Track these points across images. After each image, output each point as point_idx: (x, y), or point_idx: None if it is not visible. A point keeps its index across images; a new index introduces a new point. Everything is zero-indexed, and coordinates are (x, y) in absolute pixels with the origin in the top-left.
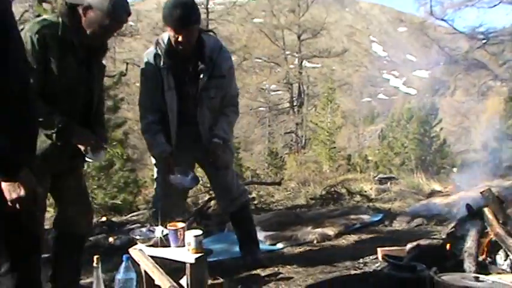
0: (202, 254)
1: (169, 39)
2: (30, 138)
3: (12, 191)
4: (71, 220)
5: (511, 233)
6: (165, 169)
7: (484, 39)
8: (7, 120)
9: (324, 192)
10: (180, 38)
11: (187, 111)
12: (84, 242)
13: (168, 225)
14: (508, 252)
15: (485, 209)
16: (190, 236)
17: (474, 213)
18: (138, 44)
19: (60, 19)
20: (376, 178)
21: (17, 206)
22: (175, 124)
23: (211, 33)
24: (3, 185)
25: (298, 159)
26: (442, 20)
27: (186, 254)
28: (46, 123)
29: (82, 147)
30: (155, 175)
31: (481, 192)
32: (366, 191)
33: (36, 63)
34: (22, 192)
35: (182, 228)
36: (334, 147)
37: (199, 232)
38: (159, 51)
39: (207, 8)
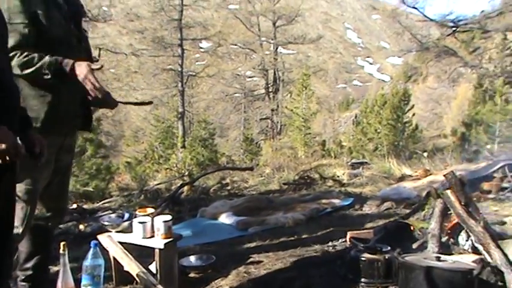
0: (172, 239)
1: None
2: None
3: None
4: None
5: (472, 215)
6: None
7: (453, 26)
8: None
9: (297, 178)
10: None
11: None
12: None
13: (138, 210)
14: (469, 233)
15: (448, 192)
16: (160, 221)
17: (438, 196)
18: (112, 30)
19: None
20: (349, 163)
21: None
22: None
23: None
24: None
25: (273, 145)
26: (414, 7)
27: (155, 240)
28: (40, 66)
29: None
30: None
31: (444, 175)
32: (338, 176)
33: (24, 18)
34: (3, 146)
35: (151, 214)
36: (309, 133)
37: (168, 217)
38: None
39: None
